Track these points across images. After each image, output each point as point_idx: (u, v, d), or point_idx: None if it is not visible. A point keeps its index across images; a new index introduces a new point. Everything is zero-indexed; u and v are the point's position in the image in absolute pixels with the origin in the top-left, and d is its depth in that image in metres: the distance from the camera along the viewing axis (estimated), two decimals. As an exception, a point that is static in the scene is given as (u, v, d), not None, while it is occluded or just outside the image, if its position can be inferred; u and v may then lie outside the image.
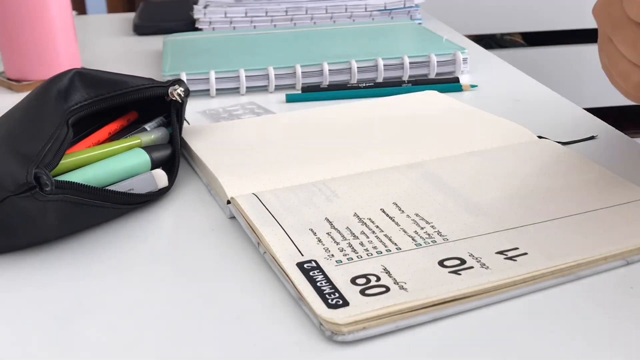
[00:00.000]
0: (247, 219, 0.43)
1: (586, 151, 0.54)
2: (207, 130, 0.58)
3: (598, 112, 0.85)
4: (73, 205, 0.42)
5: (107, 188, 0.45)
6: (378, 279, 0.36)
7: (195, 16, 0.99)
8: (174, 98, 0.52)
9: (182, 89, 0.53)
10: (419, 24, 0.96)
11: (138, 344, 0.34)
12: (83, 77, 0.50)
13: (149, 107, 0.54)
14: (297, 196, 0.45)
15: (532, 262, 0.37)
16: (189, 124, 0.58)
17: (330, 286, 0.35)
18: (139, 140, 0.51)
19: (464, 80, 0.74)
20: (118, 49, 0.96)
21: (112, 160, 0.47)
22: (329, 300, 0.34)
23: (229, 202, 0.46)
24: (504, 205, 0.43)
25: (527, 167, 0.48)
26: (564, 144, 0.54)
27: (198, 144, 0.55)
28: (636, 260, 0.39)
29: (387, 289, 0.35)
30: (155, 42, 0.97)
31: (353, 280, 0.36)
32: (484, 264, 0.37)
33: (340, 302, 0.34)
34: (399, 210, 0.43)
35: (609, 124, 0.60)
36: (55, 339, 0.35)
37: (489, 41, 1.66)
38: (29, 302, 0.38)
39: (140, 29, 1.04)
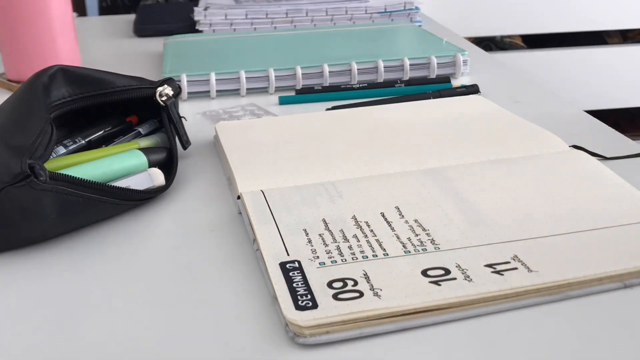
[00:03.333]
0: (248, 215, 0.43)
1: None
2: (242, 126, 0.59)
3: (598, 114, 0.85)
4: (69, 199, 0.42)
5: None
6: (355, 283, 0.36)
7: (196, 18, 0.99)
8: (163, 98, 0.52)
9: (171, 89, 0.53)
10: (419, 26, 0.96)
11: (138, 344, 0.34)
12: (66, 74, 0.50)
13: (149, 107, 0.54)
14: (302, 195, 0.46)
15: (519, 277, 0.36)
16: (186, 120, 0.58)
17: (305, 287, 0.36)
18: (137, 143, 0.52)
19: (463, 82, 0.74)
20: (118, 51, 0.96)
21: (109, 160, 0.48)
22: (299, 302, 0.34)
23: (239, 197, 0.46)
24: (509, 217, 0.42)
25: (548, 179, 0.47)
26: (606, 158, 0.52)
27: (228, 139, 0.56)
28: (635, 283, 0.37)
29: (361, 294, 0.35)
30: (155, 44, 0.97)
31: (330, 284, 0.36)
32: (468, 276, 0.36)
33: (310, 304, 0.34)
34: (399, 214, 0.43)
35: (609, 126, 0.60)
36: (55, 339, 0.35)
37: (489, 43, 1.66)
38: (30, 301, 0.38)
39: (141, 31, 1.04)
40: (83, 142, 0.51)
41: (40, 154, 0.42)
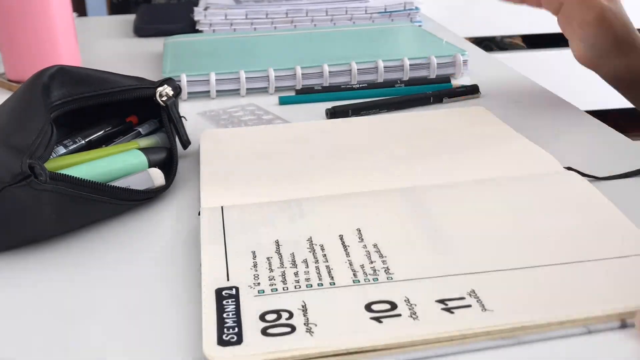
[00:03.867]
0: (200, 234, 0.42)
1: (585, 153, 0.53)
2: (226, 135, 0.58)
3: (599, 114, 0.85)
4: (69, 199, 0.42)
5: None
6: (290, 316, 0.34)
7: (196, 18, 0.99)
8: (163, 98, 0.52)
9: (171, 89, 0.52)
10: (419, 26, 0.96)
11: (138, 344, 0.34)
12: (66, 74, 0.50)
13: (149, 107, 0.54)
14: (263, 213, 0.44)
15: (470, 317, 0.33)
16: (186, 119, 0.57)
17: (234, 319, 0.34)
18: (137, 143, 0.52)
19: (463, 81, 0.74)
20: (118, 51, 0.96)
21: (109, 159, 0.48)
22: (223, 336, 0.32)
23: (200, 213, 0.44)
24: (480, 245, 0.39)
25: (533, 203, 0.44)
26: (598, 179, 0.49)
27: (209, 149, 0.54)
28: (600, 329, 0.33)
29: (292, 330, 0.33)
30: (155, 44, 0.97)
31: (262, 316, 0.34)
32: (415, 313, 0.33)
33: (235, 339, 0.32)
34: (359, 238, 0.41)
35: (610, 126, 0.60)
36: (55, 339, 0.35)
37: (489, 44, 1.66)
38: (29, 300, 0.38)
39: (141, 31, 1.04)
40: (83, 142, 0.51)
41: (40, 154, 0.42)
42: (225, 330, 0.33)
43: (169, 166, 0.51)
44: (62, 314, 0.37)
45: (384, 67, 0.74)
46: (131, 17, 1.18)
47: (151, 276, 0.40)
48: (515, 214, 0.43)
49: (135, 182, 0.47)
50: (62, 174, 0.42)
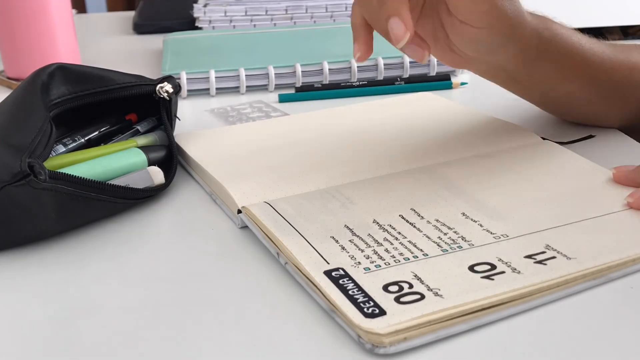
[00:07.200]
0: (263, 229, 0.41)
1: (584, 150, 0.53)
2: (202, 137, 0.57)
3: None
4: (69, 197, 0.42)
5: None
6: (411, 286, 0.35)
7: (195, 15, 0.99)
8: (162, 96, 0.52)
9: (171, 86, 0.52)
10: (419, 22, 0.96)
11: (137, 344, 0.34)
12: (65, 72, 0.50)
13: (147, 105, 0.54)
14: (312, 203, 0.44)
15: (562, 265, 0.36)
16: (179, 119, 0.57)
17: (363, 294, 0.34)
18: (135, 141, 0.51)
19: (463, 79, 0.74)
20: (118, 48, 0.96)
21: (108, 158, 0.48)
22: (365, 309, 0.33)
23: (239, 211, 0.44)
24: (523, 210, 0.43)
25: (537, 171, 0.48)
26: (563, 143, 0.53)
27: (196, 152, 0.53)
28: None
29: (422, 296, 0.34)
30: (155, 41, 0.97)
31: (385, 288, 0.34)
32: (515, 269, 0.36)
33: (377, 311, 0.32)
34: (419, 216, 0.42)
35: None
36: (54, 339, 0.35)
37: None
38: (28, 301, 0.38)
39: (140, 28, 1.04)
40: (82, 140, 0.51)
41: (40, 153, 0.42)
42: (361, 305, 0.33)
43: (167, 164, 0.51)
44: (62, 312, 0.37)
45: (384, 65, 0.74)
46: (131, 14, 1.18)
47: (151, 274, 0.40)
48: (532, 181, 0.46)
49: (135, 181, 0.47)
50: (62, 172, 0.42)
